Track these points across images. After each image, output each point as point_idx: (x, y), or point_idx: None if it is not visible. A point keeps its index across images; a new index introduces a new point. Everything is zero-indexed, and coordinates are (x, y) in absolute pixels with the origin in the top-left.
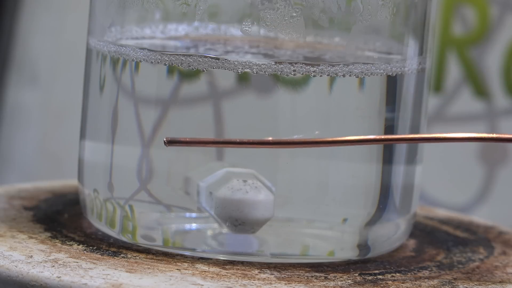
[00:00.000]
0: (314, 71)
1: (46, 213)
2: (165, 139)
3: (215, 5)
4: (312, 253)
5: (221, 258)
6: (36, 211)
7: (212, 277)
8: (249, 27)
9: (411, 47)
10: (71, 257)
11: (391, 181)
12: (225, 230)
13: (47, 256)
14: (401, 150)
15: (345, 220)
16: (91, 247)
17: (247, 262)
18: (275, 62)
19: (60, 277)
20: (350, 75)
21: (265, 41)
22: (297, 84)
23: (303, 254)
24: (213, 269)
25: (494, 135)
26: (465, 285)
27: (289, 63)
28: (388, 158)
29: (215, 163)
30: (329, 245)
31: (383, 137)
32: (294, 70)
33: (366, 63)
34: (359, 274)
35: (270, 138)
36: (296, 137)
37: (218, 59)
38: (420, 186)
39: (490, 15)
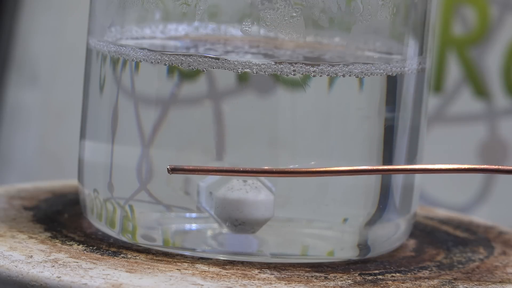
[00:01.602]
0: (314, 71)
1: (46, 213)
2: (168, 167)
3: (215, 5)
4: (312, 253)
5: (221, 258)
6: (36, 211)
7: (212, 277)
8: (249, 27)
9: (411, 47)
10: (71, 257)
11: (391, 181)
12: (225, 230)
13: (47, 256)
14: (401, 150)
15: (345, 220)
16: (91, 247)
17: (247, 262)
18: (275, 62)
19: (60, 277)
20: (350, 75)
21: (265, 41)
22: (298, 84)
23: (303, 254)
24: (213, 269)
25: (479, 166)
26: (465, 285)
27: (289, 63)
28: (388, 158)
29: (215, 163)
30: (329, 245)
31: (377, 168)
32: (294, 70)
33: (366, 63)
34: (359, 274)
35: (273, 168)
36: (292, 167)
37: (218, 59)
38: (420, 186)
39: (490, 15)
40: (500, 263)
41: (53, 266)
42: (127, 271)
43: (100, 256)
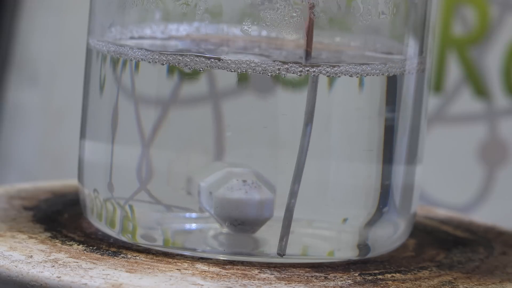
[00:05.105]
0: (314, 71)
1: (46, 213)
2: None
3: (215, 5)
4: (312, 253)
5: (221, 258)
6: (36, 211)
7: (212, 277)
8: (249, 27)
9: (411, 47)
10: (71, 257)
11: (391, 181)
12: (225, 230)
13: (47, 256)
14: (401, 150)
15: (345, 220)
16: (91, 247)
17: (247, 262)
18: (274, 61)
19: (60, 277)
20: (350, 75)
21: (265, 41)
22: (298, 83)
23: (303, 254)
24: (213, 269)
25: None
26: (465, 285)
27: (288, 63)
28: (388, 158)
29: (215, 163)
30: (329, 245)
31: None
32: (293, 70)
33: (366, 63)
34: (359, 274)
35: None
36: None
37: (213, 58)
38: (420, 186)
39: (490, 15)
40: (500, 263)
41: (53, 266)
42: (127, 271)
43: (100, 256)
